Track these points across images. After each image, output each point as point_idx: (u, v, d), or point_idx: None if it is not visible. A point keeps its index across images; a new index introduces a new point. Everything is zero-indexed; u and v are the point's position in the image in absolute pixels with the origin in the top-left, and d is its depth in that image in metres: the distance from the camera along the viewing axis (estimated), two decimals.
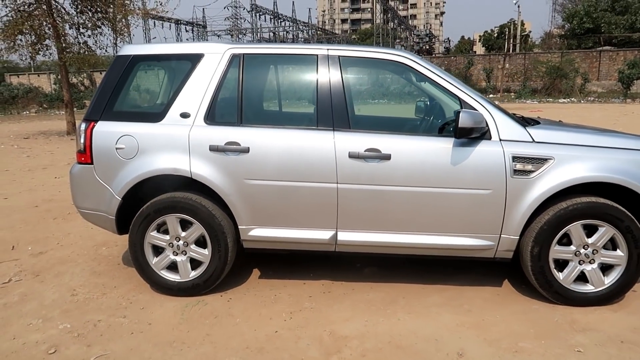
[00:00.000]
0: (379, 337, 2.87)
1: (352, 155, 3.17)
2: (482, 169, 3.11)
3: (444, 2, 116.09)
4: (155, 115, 3.41)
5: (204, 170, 3.28)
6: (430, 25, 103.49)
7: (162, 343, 2.86)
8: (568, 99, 28.53)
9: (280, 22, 67.21)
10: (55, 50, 15.60)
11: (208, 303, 3.36)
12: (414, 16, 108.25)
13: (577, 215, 3.07)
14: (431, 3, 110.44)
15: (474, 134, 3.05)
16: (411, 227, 3.24)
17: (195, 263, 3.44)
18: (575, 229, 3.11)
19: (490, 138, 3.14)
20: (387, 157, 3.15)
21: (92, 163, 3.42)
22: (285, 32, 68.67)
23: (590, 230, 3.14)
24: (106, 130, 3.39)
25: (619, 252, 3.13)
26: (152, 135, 3.35)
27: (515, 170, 3.08)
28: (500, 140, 3.14)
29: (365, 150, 3.16)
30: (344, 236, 3.29)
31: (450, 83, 3.26)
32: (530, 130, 3.18)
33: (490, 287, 3.55)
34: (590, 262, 3.17)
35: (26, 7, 14.56)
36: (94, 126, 3.41)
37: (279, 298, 3.43)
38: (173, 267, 3.46)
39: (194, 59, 3.43)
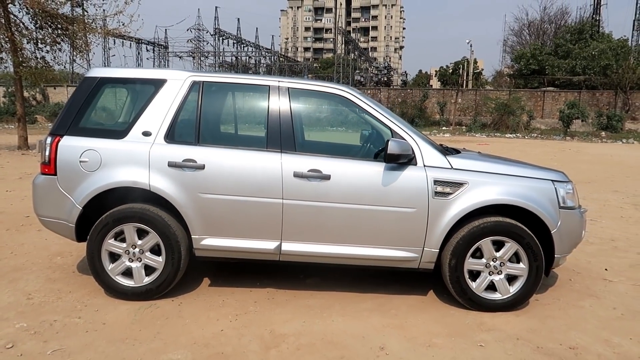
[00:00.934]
0: (314, 334, 3.25)
1: (296, 175, 3.59)
2: (408, 190, 3.59)
3: (403, 37, 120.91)
4: (118, 132, 3.73)
5: (162, 184, 3.61)
6: (390, 58, 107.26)
7: (116, 340, 3.13)
8: (514, 135, 30.25)
9: (243, 47, 68.05)
10: (10, 64, 15.45)
11: (160, 306, 3.64)
12: (374, 48, 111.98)
13: (487, 232, 3.60)
14: (391, 37, 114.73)
15: (401, 160, 3.54)
16: (347, 240, 3.67)
17: (149, 270, 3.72)
18: (485, 244, 3.63)
19: (416, 164, 3.64)
20: (327, 177, 3.59)
21: (55, 174, 3.68)
22: (247, 57, 69.48)
23: (498, 246, 3.66)
24: (71, 145, 3.68)
25: (521, 265, 3.67)
26: (115, 151, 3.66)
27: (436, 192, 3.59)
28: (425, 166, 3.65)
29: (308, 171, 3.59)
30: (288, 247, 3.68)
31: (382, 115, 3.77)
32: (450, 158, 3.71)
33: (416, 295, 4.00)
34: (498, 273, 3.68)
35: None
36: (59, 140, 3.69)
37: (227, 303, 3.75)
38: (128, 273, 3.73)
39: (158, 84, 3.80)
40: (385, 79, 76.85)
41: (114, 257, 3.73)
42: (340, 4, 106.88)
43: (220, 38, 64.21)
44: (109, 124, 4.24)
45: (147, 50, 62.55)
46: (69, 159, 3.66)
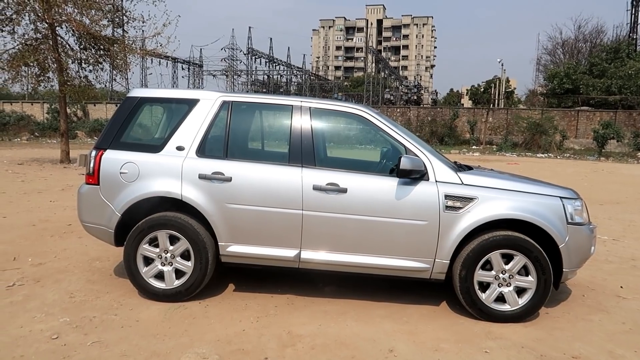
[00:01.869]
0: (328, 336, 3.48)
1: (315, 188, 3.86)
2: (420, 203, 3.82)
3: (435, 56, 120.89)
4: (155, 147, 4.11)
5: (192, 194, 3.94)
6: (421, 77, 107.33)
7: (148, 335, 3.44)
8: (546, 154, 29.84)
9: (275, 65, 69.51)
10: (56, 82, 16.44)
11: (188, 307, 3.94)
12: (405, 67, 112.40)
13: (496, 245, 3.77)
14: (422, 56, 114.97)
15: (413, 175, 3.78)
16: (363, 249, 3.90)
17: (179, 273, 4.04)
18: (495, 256, 3.80)
19: (428, 179, 3.87)
20: (344, 191, 3.85)
21: (98, 184, 4.07)
22: (279, 76, 70.89)
23: (507, 259, 3.83)
24: (113, 158, 4.07)
25: (530, 278, 3.82)
26: (152, 163, 4.03)
27: (446, 206, 3.80)
28: (436, 181, 3.87)
29: (326, 184, 3.87)
30: (307, 255, 3.94)
31: (397, 132, 4.03)
32: (461, 174, 3.92)
33: (429, 305, 4.19)
34: (507, 285, 3.84)
35: (33, 41, 15.46)
36: (102, 153, 4.09)
37: (249, 306, 4.03)
38: (160, 276, 4.06)
39: (191, 103, 4.17)
40: (415, 98, 76.87)
41: (148, 261, 4.06)
42: (372, 24, 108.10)
43: (253, 57, 65.86)
44: (147, 139, 4.63)
45: (183, 69, 64.60)
46: (110, 171, 4.05)
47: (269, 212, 3.91)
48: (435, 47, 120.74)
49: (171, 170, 3.99)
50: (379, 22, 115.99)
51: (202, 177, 3.95)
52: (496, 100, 53.70)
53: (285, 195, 3.89)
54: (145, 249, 4.02)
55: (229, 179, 3.93)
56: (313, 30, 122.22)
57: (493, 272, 3.84)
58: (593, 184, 14.27)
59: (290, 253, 3.95)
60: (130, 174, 4.02)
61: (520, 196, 3.85)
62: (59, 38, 15.77)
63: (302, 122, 4.06)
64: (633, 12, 46.89)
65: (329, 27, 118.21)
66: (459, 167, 4.17)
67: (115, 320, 3.67)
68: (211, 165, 3.98)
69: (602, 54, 44.21)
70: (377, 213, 3.84)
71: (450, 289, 4.08)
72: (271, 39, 75.78)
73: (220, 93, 4.23)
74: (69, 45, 16.22)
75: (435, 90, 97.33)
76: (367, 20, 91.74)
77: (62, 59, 15.80)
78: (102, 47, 16.45)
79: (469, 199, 3.79)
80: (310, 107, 4.12)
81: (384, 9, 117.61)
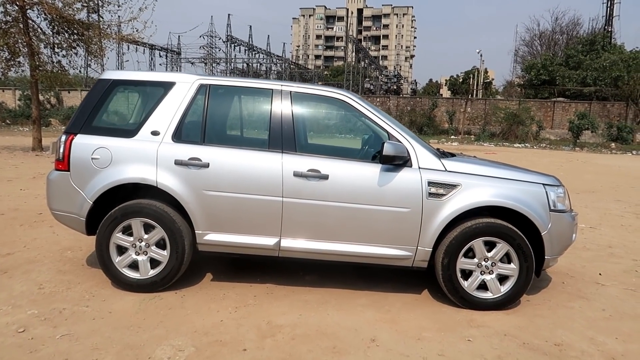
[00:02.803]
0: (309, 326, 3.40)
1: (296, 174, 3.75)
2: (403, 190, 3.75)
3: (414, 46, 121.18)
4: (129, 131, 3.93)
5: (168, 180, 3.79)
6: (400, 67, 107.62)
7: (121, 327, 3.30)
8: (523, 145, 30.23)
9: (255, 53, 68.72)
10: (27, 67, 15.87)
11: (163, 298, 3.81)
12: (384, 57, 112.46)
13: (479, 232, 3.73)
14: (402, 46, 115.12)
15: (397, 161, 3.70)
16: (344, 237, 3.82)
17: (154, 263, 3.90)
18: (477, 244, 3.76)
19: (411, 166, 3.80)
20: (326, 177, 3.75)
21: (69, 170, 3.88)
22: (258, 64, 70.14)
23: (490, 246, 3.79)
24: (84, 142, 3.88)
25: (512, 265, 3.79)
26: (125, 148, 3.86)
27: (429, 193, 3.73)
28: (419, 168, 3.80)
29: (307, 170, 3.76)
30: (287, 243, 3.84)
31: (380, 118, 3.93)
32: (444, 161, 3.86)
33: (411, 294, 4.14)
34: (489, 273, 3.81)
35: (3, 24, 14.85)
36: (73, 138, 3.90)
37: (227, 296, 3.91)
38: (134, 265, 3.91)
39: (167, 86, 4.00)
40: (395, 88, 77.08)
41: (122, 250, 3.91)
42: (352, 13, 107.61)
43: (232, 45, 64.94)
44: (120, 123, 4.45)
45: (160, 56, 63.39)
46: (81, 156, 3.86)
47: (247, 199, 3.79)
48: (415, 38, 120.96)
49: (146, 155, 3.83)
50: (360, 11, 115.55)
51: (178, 163, 3.80)
52: (474, 91, 54.19)
53: (265, 181, 3.77)
54: (119, 237, 3.86)
55: (207, 165, 3.79)
56: (293, 18, 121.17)
57: (475, 260, 3.80)
58: (568, 174, 14.48)
59: (269, 241, 3.84)
60: (103, 160, 3.84)
61: (504, 183, 3.81)
62: (30, 21, 15.20)
63: (282, 107, 3.93)
64: (608, 5, 47.73)
65: (309, 15, 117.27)
66: (442, 154, 4.10)
67: (86, 312, 3.51)
68: (188, 151, 3.83)
69: (578, 46, 44.89)
70: (359, 200, 3.75)
71: (432, 277, 4.03)
72: (250, 26, 75.08)
73: (197, 76, 4.06)
74: (41, 29, 15.65)
75: (415, 80, 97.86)
76: (348, 9, 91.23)
77: (34, 43, 15.24)
78: (75, 31, 15.93)
79: (452, 186, 3.73)
80: (291, 92, 3.99)
81: None
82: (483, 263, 3.80)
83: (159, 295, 3.86)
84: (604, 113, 35.87)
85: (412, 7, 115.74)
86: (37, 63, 15.36)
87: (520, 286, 3.80)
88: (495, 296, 3.82)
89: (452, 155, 4.26)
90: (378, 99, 42.51)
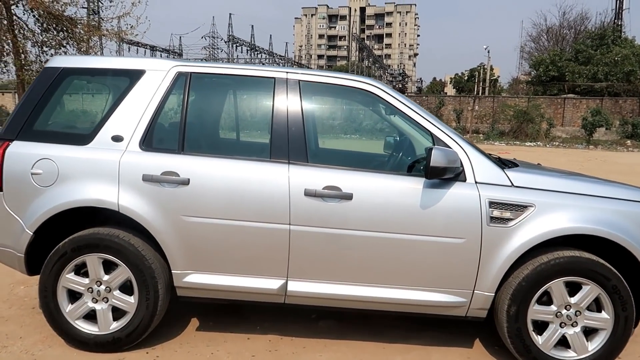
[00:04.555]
0: None
1: (308, 193, 2.75)
2: (455, 214, 2.73)
3: (418, 45, 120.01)
4: (82, 137, 2.93)
5: (134, 203, 2.79)
6: (404, 65, 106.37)
7: None
8: (534, 143, 29.12)
9: (257, 53, 67.80)
10: (13, 68, 14.94)
11: None
12: (388, 56, 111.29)
13: (559, 271, 2.71)
14: (405, 44, 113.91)
15: (447, 175, 2.68)
16: (373, 279, 2.81)
17: (118, 312, 2.90)
18: (556, 286, 2.74)
19: (464, 180, 2.78)
20: (349, 197, 2.74)
21: (1, 190, 2.89)
22: (261, 64, 69.21)
23: (573, 289, 2.77)
24: (21, 152, 2.88)
25: (604, 315, 2.77)
26: (76, 160, 2.86)
27: (492, 218, 2.72)
28: (476, 182, 2.78)
29: (323, 188, 2.75)
30: (295, 286, 2.83)
31: (422, 117, 2.92)
32: (509, 172, 2.84)
33: (459, 347, 3.12)
34: (572, 325, 2.79)
35: None
36: (7, 146, 2.90)
37: (217, 356, 2.91)
38: (91, 316, 2.91)
39: (134, 75, 2.99)
40: (400, 86, 75.97)
41: (74, 296, 2.91)
42: (355, 11, 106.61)
43: (234, 45, 64.04)
44: (71, 125, 3.45)
45: (162, 58, 62.57)
46: (18, 170, 2.87)
47: (242, 228, 2.78)
48: (418, 36, 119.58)
49: (104, 169, 2.83)
50: (362, 10, 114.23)
51: (147, 178, 2.80)
52: (480, 89, 53.03)
53: (266, 204, 2.77)
54: (70, 279, 2.86)
55: (186, 182, 2.79)
56: (295, 18, 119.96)
57: (553, 308, 2.78)
58: (594, 174, 13.41)
59: (273, 284, 2.83)
60: (46, 175, 2.84)
61: (594, 202, 2.78)
62: (16, 17, 14.24)
63: (288, 101, 2.92)
64: None
65: (312, 15, 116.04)
66: (502, 163, 3.09)
67: None
68: (161, 162, 2.83)
69: (588, 40, 43.69)
70: (394, 228, 2.74)
71: (490, 322, 3.02)
72: (252, 26, 73.95)
73: (174, 62, 3.06)
74: (27, 25, 14.69)
75: (420, 79, 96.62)
76: (350, 8, 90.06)
77: (19, 40, 14.28)
78: (64, 28, 14.97)
79: (522, 207, 2.71)
80: (299, 81, 2.97)
81: None
82: (564, 312, 2.77)
83: (124, 357, 2.86)
84: (616, 109, 34.72)
85: (415, 5, 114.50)
86: (23, 62, 14.39)
87: (615, 343, 2.77)
88: (580, 357, 2.80)
89: (514, 164, 3.24)
90: None
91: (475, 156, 2.84)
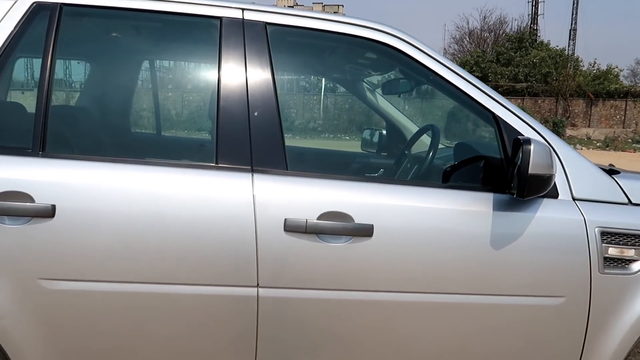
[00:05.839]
0: None
1: (292, 227, 1.46)
2: (547, 256, 1.57)
3: None
4: None
5: None
6: None
7: None
8: None
9: None
10: None
11: None
12: None
13: None
14: None
15: (545, 188, 1.51)
16: None
17: None
18: None
19: (556, 195, 1.63)
20: (367, 232, 1.48)
21: None
22: None
23: None
24: None
25: None
26: None
27: (606, 259, 1.58)
28: (574, 199, 1.64)
29: (320, 217, 1.48)
30: None
31: (477, 88, 1.72)
32: (622, 181, 1.72)
33: None
34: None
35: None
36: None
37: None
38: None
39: None
40: None
41: None
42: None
43: None
44: None
45: None
46: None
47: (165, 298, 1.45)
48: None
49: None
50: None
51: None
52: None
53: (210, 248, 1.45)
54: None
55: (48, 212, 1.39)
56: None
57: None
58: None
59: None
60: None
61: None
62: None
63: (248, 64, 1.61)
64: (533, 4, 49.12)
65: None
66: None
67: None
68: None
69: (507, 43, 45.63)
70: (447, 286, 1.53)
71: None
72: None
73: None
74: None
75: None
76: (342, 6, 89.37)
77: None
78: None
79: None
80: (266, 23, 1.66)
81: None
82: None
83: None
84: (536, 109, 36.42)
85: (343, 6, 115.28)
86: None
87: None
88: None
89: (615, 172, 2.11)
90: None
91: (569, 154, 1.70)
